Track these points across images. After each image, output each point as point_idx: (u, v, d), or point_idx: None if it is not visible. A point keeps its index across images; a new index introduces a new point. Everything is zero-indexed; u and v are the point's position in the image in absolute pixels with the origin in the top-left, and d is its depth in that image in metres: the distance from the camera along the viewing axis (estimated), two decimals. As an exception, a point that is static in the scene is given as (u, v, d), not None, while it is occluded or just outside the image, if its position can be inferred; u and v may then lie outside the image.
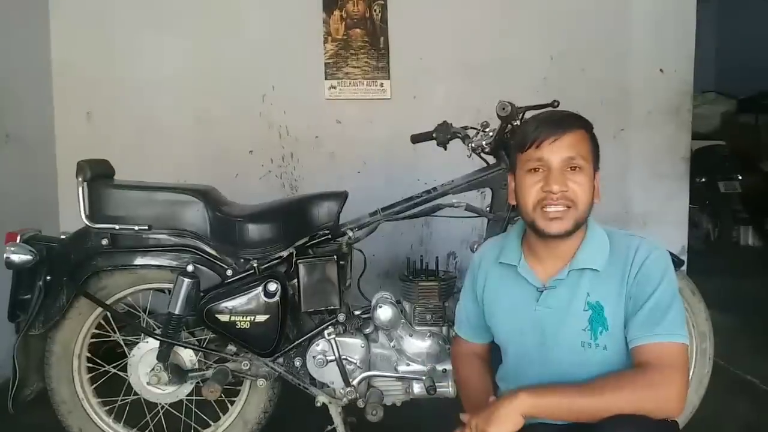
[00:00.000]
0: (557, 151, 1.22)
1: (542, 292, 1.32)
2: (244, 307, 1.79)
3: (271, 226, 1.86)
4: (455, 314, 1.57)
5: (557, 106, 1.79)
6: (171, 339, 1.84)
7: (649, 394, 1.11)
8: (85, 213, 1.80)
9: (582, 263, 1.28)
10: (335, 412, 1.88)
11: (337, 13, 3.25)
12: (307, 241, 1.90)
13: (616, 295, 1.25)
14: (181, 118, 3.26)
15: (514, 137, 1.43)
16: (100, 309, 1.89)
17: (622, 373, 1.19)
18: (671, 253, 1.74)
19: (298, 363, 1.90)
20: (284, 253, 1.87)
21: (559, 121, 1.26)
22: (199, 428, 2.00)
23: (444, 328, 1.92)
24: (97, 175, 1.84)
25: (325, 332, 1.86)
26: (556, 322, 1.29)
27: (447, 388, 1.86)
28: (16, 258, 1.77)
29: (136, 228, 1.81)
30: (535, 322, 1.32)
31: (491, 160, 1.98)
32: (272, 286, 1.80)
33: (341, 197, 1.91)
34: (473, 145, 1.94)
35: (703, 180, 5.18)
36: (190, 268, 1.82)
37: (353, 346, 1.88)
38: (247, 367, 1.89)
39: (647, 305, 1.21)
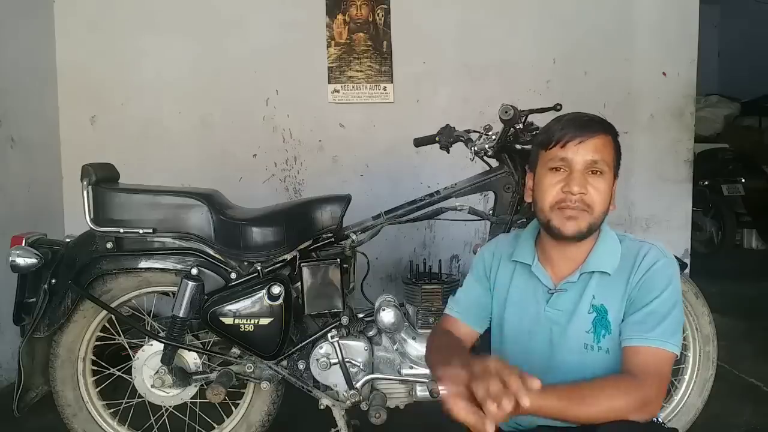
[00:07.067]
0: (582, 153, 1.21)
1: (553, 294, 1.32)
2: (247, 310, 1.80)
3: (274, 230, 1.86)
4: (451, 296, 1.50)
5: (560, 109, 1.79)
6: (175, 342, 1.85)
7: (629, 398, 1.10)
8: (89, 216, 1.81)
9: (593, 266, 1.28)
10: (339, 415, 1.88)
11: (340, 17, 3.26)
12: (310, 244, 1.91)
13: (620, 299, 1.25)
14: (185, 121, 3.28)
15: (537, 135, 1.41)
16: (104, 312, 1.90)
17: (606, 379, 1.17)
18: (674, 257, 1.74)
19: (301, 366, 1.90)
20: (288, 256, 1.87)
21: (587, 123, 1.25)
22: (203, 431, 2.01)
23: (447, 331, 1.92)
24: (102, 178, 1.85)
25: (329, 335, 1.87)
26: (563, 323, 1.29)
27: (450, 391, 1.86)
28: (22, 261, 1.78)
29: (141, 231, 1.82)
30: (544, 324, 1.32)
31: (494, 163, 1.98)
32: (276, 289, 1.80)
33: (344, 200, 1.92)
34: (476, 148, 1.94)
35: (707, 183, 5.18)
36: (194, 271, 1.83)
37: (356, 349, 1.89)
38: (251, 370, 1.90)
39: (646, 309, 1.21)
